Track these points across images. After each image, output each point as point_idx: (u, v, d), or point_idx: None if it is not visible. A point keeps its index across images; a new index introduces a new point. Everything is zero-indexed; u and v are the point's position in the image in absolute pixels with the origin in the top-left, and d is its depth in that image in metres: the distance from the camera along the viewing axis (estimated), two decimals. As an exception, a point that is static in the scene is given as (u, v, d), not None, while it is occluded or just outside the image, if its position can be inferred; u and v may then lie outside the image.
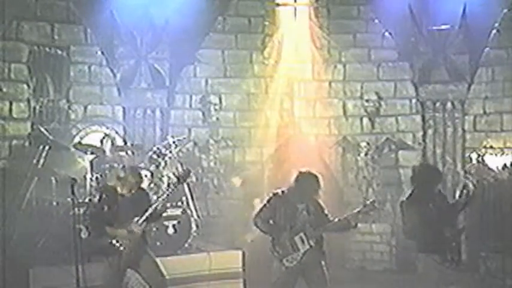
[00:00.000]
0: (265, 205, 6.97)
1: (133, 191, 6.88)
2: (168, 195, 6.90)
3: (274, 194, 6.97)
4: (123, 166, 7.39)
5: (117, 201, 6.79)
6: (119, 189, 6.85)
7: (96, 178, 9.11)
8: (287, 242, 6.75)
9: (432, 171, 7.25)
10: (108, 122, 10.47)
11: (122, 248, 6.70)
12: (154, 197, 7.35)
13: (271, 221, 6.86)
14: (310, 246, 6.77)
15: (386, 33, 11.24)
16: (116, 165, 8.98)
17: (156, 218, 7.03)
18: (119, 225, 6.70)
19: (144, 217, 6.72)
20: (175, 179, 7.27)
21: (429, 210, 6.61)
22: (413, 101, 11.34)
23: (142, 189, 7.14)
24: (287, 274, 6.79)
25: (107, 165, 9.16)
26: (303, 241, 6.77)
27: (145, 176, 9.02)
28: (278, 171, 10.63)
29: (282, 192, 6.94)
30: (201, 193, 10.86)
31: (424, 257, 6.71)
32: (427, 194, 6.77)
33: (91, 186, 9.10)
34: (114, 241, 6.70)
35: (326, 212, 6.95)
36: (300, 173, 6.93)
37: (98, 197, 6.89)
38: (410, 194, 6.97)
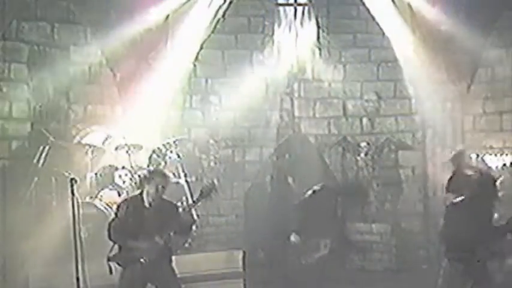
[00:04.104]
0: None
1: (158, 201, 6.66)
2: (193, 208, 6.82)
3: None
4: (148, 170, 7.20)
5: (142, 213, 6.59)
6: (144, 199, 6.66)
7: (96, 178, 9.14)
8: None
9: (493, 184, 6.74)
10: (108, 122, 10.46)
11: (145, 260, 6.49)
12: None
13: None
14: None
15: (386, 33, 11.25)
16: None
17: (185, 230, 6.87)
18: (144, 238, 6.52)
19: (169, 229, 6.54)
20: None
21: (475, 221, 6.33)
22: (413, 101, 11.34)
23: (169, 201, 6.91)
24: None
25: (107, 165, 9.17)
26: None
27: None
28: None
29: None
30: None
31: (448, 263, 6.57)
32: (480, 204, 6.47)
33: (91, 185, 9.12)
34: (137, 254, 6.49)
35: None
36: None
37: (123, 209, 6.69)
38: (463, 199, 6.65)
